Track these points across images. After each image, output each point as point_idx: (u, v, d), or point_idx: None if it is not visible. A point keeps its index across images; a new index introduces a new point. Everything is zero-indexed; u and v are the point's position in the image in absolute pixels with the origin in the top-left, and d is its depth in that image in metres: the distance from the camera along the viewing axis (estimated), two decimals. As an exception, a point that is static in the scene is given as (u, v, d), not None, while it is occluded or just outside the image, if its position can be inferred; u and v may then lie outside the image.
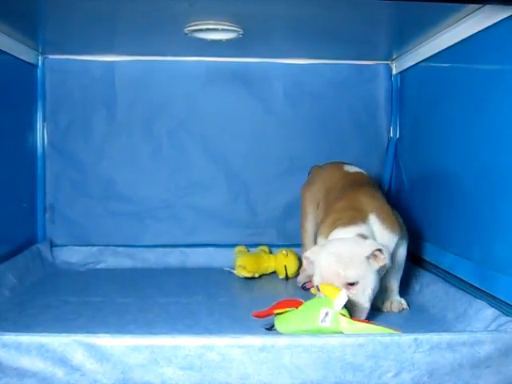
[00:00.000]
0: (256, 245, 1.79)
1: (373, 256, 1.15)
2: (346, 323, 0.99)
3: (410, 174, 1.72)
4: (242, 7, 1.22)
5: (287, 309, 1.06)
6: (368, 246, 1.15)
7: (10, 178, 1.56)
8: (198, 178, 1.84)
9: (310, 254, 1.22)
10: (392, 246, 1.26)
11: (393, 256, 1.26)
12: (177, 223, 1.83)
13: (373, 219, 1.26)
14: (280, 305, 1.08)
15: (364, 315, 1.13)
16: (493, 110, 1.16)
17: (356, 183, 1.42)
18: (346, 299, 1.01)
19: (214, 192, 1.84)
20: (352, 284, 1.12)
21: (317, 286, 1.15)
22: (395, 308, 1.27)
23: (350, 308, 1.07)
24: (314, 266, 1.19)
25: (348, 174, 1.50)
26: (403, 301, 1.30)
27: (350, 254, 1.14)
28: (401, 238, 1.30)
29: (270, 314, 1.09)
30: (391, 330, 0.97)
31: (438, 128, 1.46)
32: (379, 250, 1.15)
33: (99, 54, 1.77)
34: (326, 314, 0.99)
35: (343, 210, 1.29)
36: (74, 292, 1.43)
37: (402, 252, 1.33)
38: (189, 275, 1.66)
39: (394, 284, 1.32)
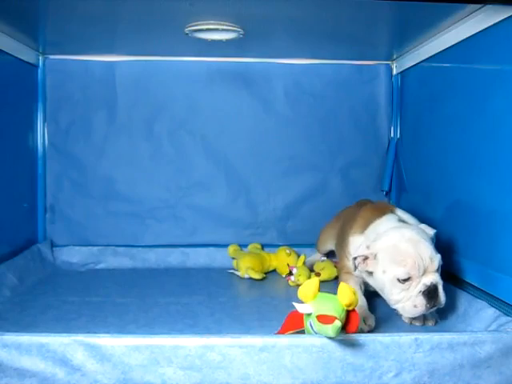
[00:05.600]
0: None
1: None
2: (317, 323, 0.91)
3: (411, 174, 1.72)
4: (242, 7, 1.22)
5: (297, 330, 0.99)
6: (429, 230, 1.18)
7: (11, 178, 1.56)
8: (199, 178, 1.84)
9: (366, 249, 1.15)
10: None
11: None
12: (177, 223, 1.83)
13: (399, 211, 1.30)
14: (288, 325, 1.01)
15: (444, 295, 1.11)
16: (493, 110, 1.16)
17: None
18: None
19: (214, 192, 1.84)
20: (437, 269, 1.12)
21: (402, 279, 1.09)
22: (430, 323, 1.17)
23: (437, 294, 1.08)
24: (379, 259, 1.13)
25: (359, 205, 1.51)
26: (435, 313, 1.19)
27: (427, 238, 1.14)
28: None
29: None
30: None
31: (439, 128, 1.46)
32: (435, 233, 1.19)
33: (99, 54, 1.77)
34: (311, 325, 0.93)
35: (369, 211, 1.30)
36: (74, 292, 1.43)
37: None
38: (189, 275, 1.66)
39: None
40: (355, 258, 1.16)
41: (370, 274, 1.18)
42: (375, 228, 1.23)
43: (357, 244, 1.24)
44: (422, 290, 1.09)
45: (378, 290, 1.19)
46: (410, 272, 1.09)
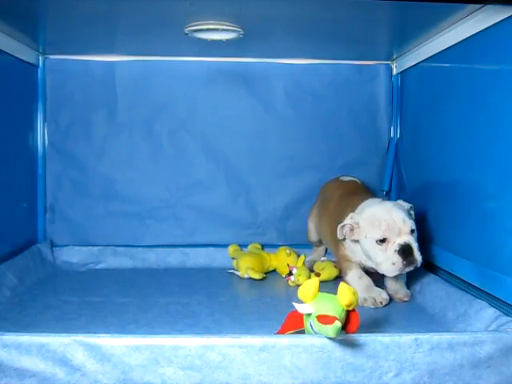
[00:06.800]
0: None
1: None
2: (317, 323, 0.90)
3: (411, 174, 1.72)
4: (242, 7, 1.22)
5: (297, 330, 0.99)
6: (404, 203, 1.35)
7: (10, 178, 1.56)
8: (199, 177, 1.84)
9: (351, 219, 1.32)
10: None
11: None
12: (177, 223, 1.83)
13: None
14: (288, 325, 1.01)
15: (420, 255, 1.27)
16: (493, 110, 1.16)
17: (352, 190, 1.57)
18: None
19: (214, 192, 1.84)
20: (412, 231, 1.28)
21: (379, 240, 1.26)
22: (406, 297, 1.36)
23: (412, 253, 1.25)
24: (360, 226, 1.30)
25: (343, 182, 1.67)
26: (408, 292, 1.38)
27: (402, 209, 1.31)
28: None
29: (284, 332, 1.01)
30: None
31: (439, 128, 1.46)
32: (411, 207, 1.35)
33: (99, 53, 1.77)
34: (311, 325, 0.93)
35: (355, 200, 1.42)
36: (74, 292, 1.43)
37: None
38: (189, 275, 1.66)
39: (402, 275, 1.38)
40: (343, 227, 1.32)
41: (357, 243, 1.34)
42: (361, 208, 1.37)
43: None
44: (397, 248, 1.25)
45: (367, 257, 1.34)
46: (385, 233, 1.26)
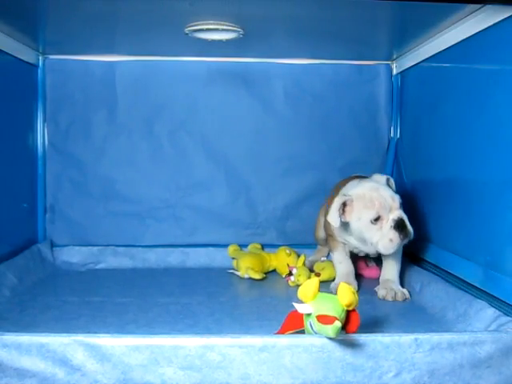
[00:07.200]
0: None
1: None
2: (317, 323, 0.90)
3: (411, 174, 1.72)
4: (242, 7, 1.22)
5: (297, 330, 0.99)
6: (381, 176, 1.41)
7: (10, 178, 1.56)
8: (199, 177, 1.84)
9: (344, 197, 1.34)
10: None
11: None
12: (177, 223, 1.83)
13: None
14: (288, 325, 1.01)
15: (411, 226, 1.32)
16: (493, 110, 1.16)
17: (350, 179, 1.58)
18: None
19: (214, 192, 1.84)
20: (400, 205, 1.33)
21: (374, 219, 1.30)
22: (399, 298, 1.35)
23: (404, 225, 1.30)
24: (354, 206, 1.33)
25: (350, 177, 1.65)
26: (406, 291, 1.37)
27: (384, 184, 1.37)
28: None
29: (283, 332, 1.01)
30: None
31: (439, 128, 1.46)
32: (388, 178, 1.41)
33: (99, 53, 1.77)
34: (311, 325, 0.93)
35: (340, 184, 1.50)
36: (74, 292, 1.43)
37: None
38: (189, 275, 1.66)
39: (394, 274, 1.41)
40: (340, 208, 1.33)
41: (347, 227, 1.37)
42: (345, 189, 1.42)
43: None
44: (392, 224, 1.30)
45: (360, 241, 1.38)
46: (379, 212, 1.30)
